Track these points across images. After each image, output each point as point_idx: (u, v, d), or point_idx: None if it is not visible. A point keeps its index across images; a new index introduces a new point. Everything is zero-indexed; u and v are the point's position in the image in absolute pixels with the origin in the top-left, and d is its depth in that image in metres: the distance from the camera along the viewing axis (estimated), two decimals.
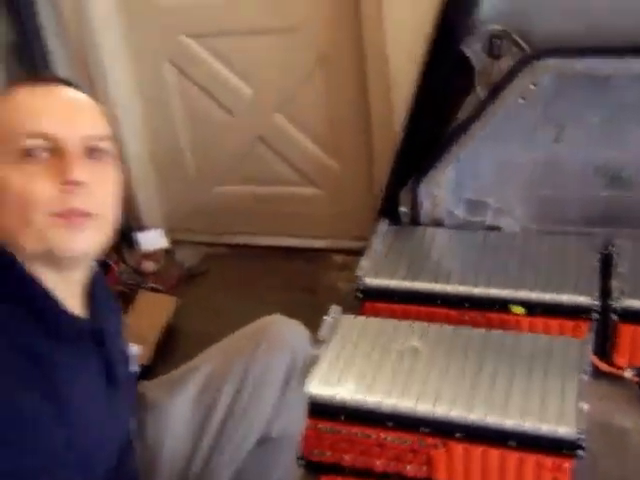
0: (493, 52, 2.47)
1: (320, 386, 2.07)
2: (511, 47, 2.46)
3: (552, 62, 2.41)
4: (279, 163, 3.17)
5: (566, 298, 2.33)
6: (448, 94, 2.57)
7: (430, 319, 2.35)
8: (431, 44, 2.49)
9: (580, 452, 1.86)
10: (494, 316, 2.38)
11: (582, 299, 2.31)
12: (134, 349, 1.54)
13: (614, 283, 2.34)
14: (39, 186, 1.15)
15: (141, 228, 3.29)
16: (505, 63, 2.47)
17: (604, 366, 2.35)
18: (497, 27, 2.45)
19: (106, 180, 1.24)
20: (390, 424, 2.00)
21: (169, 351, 2.66)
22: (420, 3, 2.45)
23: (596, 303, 2.30)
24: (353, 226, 3.08)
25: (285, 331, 1.72)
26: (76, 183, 1.16)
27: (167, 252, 3.23)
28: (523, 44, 2.44)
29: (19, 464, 1.05)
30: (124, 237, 3.21)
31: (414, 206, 2.74)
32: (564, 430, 1.87)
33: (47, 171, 1.16)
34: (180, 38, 3.06)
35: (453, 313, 2.41)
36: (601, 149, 2.63)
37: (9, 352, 1.09)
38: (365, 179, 3.03)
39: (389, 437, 2.02)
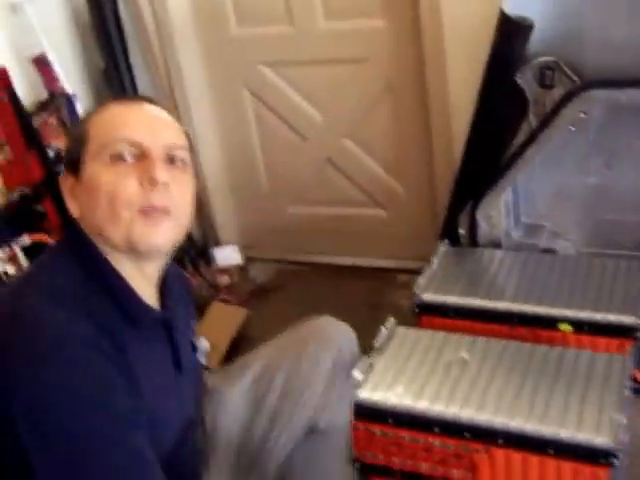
0: (544, 82, 2.62)
1: (372, 391, 2.22)
2: (562, 78, 2.59)
3: (599, 93, 2.53)
4: (347, 185, 3.36)
5: (612, 317, 2.42)
6: (503, 122, 2.71)
7: (483, 334, 2.48)
8: (486, 75, 2.64)
9: (616, 461, 1.96)
10: (543, 333, 2.49)
11: (627, 319, 2.41)
12: (204, 344, 1.72)
13: None
14: (125, 183, 1.36)
15: (218, 245, 3.51)
16: (557, 93, 2.61)
17: None
18: (548, 59, 2.59)
19: (182, 183, 1.44)
20: (436, 429, 2.14)
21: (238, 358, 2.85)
22: (479, 40, 2.60)
23: None
24: (417, 247, 3.22)
25: (332, 330, 1.92)
26: (157, 182, 1.36)
27: (241, 268, 3.44)
28: (572, 75, 2.57)
29: (97, 423, 1.24)
30: (202, 253, 3.44)
31: (472, 228, 2.88)
32: (600, 440, 1.98)
33: (133, 172, 1.37)
34: (257, 67, 3.28)
35: (504, 329, 2.53)
36: None
37: (95, 332, 1.29)
38: (428, 202, 3.18)
39: (435, 442, 2.15)
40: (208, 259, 3.45)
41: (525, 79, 2.63)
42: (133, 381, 1.32)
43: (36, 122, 2.77)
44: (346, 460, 2.05)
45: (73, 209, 1.42)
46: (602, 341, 2.43)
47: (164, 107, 1.52)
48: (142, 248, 1.38)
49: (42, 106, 2.85)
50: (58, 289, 1.32)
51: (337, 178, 3.36)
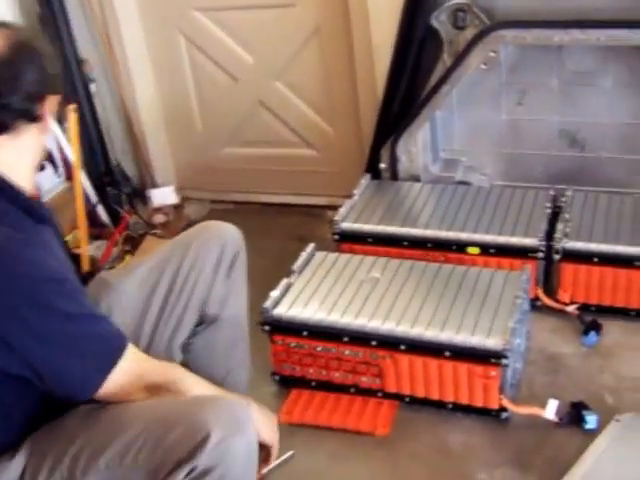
0: (458, 24, 2.77)
1: (288, 307, 2.40)
2: (473, 19, 2.75)
3: (506, 33, 2.70)
4: (279, 126, 3.48)
5: (515, 240, 2.62)
6: (420, 62, 2.87)
7: (398, 259, 2.65)
8: (403, 18, 2.79)
9: (505, 361, 2.15)
10: (453, 256, 2.68)
11: (529, 241, 2.60)
12: None
13: (558, 227, 2.62)
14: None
15: (155, 185, 3.63)
16: (469, 34, 2.76)
17: (549, 301, 2.63)
18: (461, 1, 2.74)
19: None
20: (346, 339, 2.31)
21: None
22: None
23: (541, 244, 2.58)
24: (347, 185, 3.31)
25: (216, 229, 2.08)
26: None
27: (176, 207, 3.56)
28: (483, 17, 2.73)
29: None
30: (138, 193, 3.57)
31: (393, 163, 3.04)
32: (492, 342, 2.17)
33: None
34: (190, 12, 3.37)
35: (418, 253, 2.70)
36: (559, 113, 2.93)
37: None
38: (356, 141, 3.32)
39: (345, 350, 2.33)
40: (145, 199, 3.58)
41: (439, 21, 2.79)
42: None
43: None
44: (242, 350, 2.18)
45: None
46: (507, 262, 2.62)
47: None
48: None
49: None
50: None
51: (269, 119, 3.48)
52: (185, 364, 1.93)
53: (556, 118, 2.93)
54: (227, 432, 1.44)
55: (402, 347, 2.26)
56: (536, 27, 2.68)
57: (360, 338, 2.30)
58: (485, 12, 2.75)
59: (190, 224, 3.44)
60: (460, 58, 2.78)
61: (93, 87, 3.35)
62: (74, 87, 3.25)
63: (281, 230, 3.36)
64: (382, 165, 3.06)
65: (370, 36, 3.00)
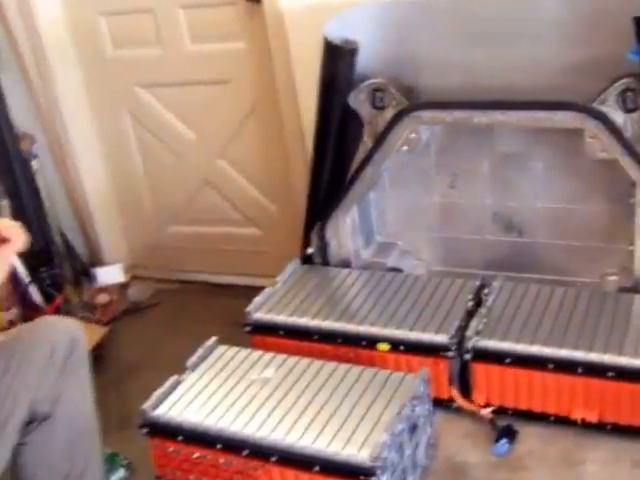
0: (376, 104, 2.63)
1: (168, 408, 2.26)
2: (392, 100, 2.61)
3: (424, 114, 2.56)
4: (223, 204, 3.40)
5: (426, 336, 2.43)
6: (342, 143, 2.72)
7: (309, 353, 2.49)
8: (320, 99, 2.65)
9: (374, 479, 1.97)
10: (363, 352, 2.50)
11: (439, 338, 2.41)
12: None
13: (472, 323, 2.42)
14: None
15: (102, 264, 3.55)
16: (389, 114, 2.62)
17: (464, 403, 2.43)
18: (378, 81, 2.60)
19: None
20: (219, 446, 2.16)
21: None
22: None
23: (452, 342, 2.38)
24: None
25: (48, 325, 2.07)
26: None
27: (122, 286, 3.47)
28: (399, 97, 2.59)
29: None
30: (85, 271, 3.49)
31: (323, 247, 2.89)
32: (362, 456, 1.99)
33: None
34: (133, 88, 3.33)
35: (328, 348, 2.54)
36: (492, 196, 2.76)
37: None
38: (299, 221, 3.18)
39: (220, 459, 2.18)
40: (91, 277, 3.50)
41: (358, 101, 2.65)
42: None
43: None
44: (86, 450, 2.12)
45: None
46: (417, 360, 2.43)
47: None
48: None
49: None
50: None
51: (213, 197, 3.40)
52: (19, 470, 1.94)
53: (489, 202, 2.76)
54: None
55: (273, 458, 2.09)
56: (454, 108, 2.53)
57: (233, 446, 2.15)
58: (407, 91, 2.62)
59: (130, 307, 3.38)
60: (380, 140, 2.63)
61: (35, 164, 3.29)
62: (9, 164, 3.17)
63: (220, 313, 3.21)
64: (309, 250, 2.91)
65: (300, 115, 2.93)
